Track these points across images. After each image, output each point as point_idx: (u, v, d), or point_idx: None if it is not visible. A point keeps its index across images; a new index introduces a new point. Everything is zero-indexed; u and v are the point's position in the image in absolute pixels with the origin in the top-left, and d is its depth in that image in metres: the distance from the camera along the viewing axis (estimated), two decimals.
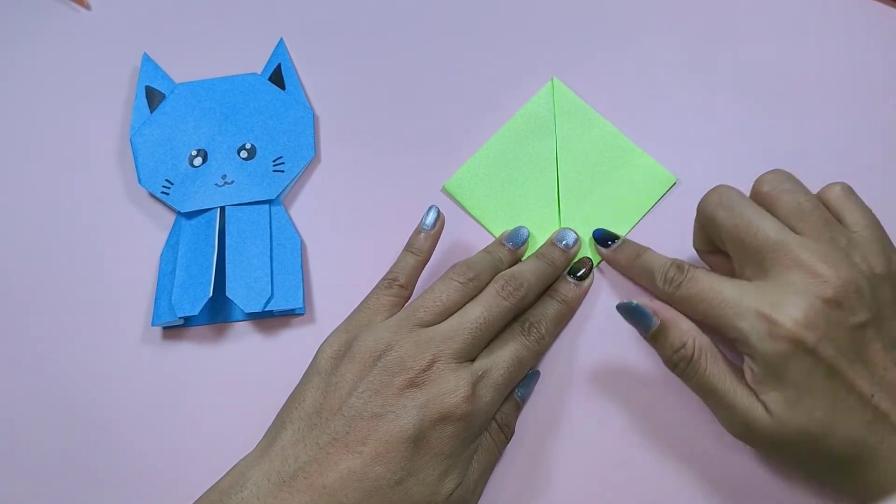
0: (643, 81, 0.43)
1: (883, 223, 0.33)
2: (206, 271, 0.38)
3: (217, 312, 0.39)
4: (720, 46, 0.44)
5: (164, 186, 0.41)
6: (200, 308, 0.37)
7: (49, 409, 0.38)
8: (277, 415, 0.34)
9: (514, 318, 0.36)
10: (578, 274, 0.38)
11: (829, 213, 0.33)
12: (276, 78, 0.44)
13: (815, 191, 0.34)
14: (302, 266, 0.40)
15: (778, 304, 0.30)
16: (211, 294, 0.37)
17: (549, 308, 0.37)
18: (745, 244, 0.32)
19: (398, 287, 0.36)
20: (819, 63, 0.43)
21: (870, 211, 0.33)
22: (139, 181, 0.41)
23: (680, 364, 0.33)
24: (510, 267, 0.38)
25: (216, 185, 0.41)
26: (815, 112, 0.42)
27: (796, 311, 0.30)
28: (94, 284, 0.40)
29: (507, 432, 0.36)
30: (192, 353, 0.39)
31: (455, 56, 0.45)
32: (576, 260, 0.39)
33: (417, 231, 0.38)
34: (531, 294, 0.36)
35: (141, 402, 0.38)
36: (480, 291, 0.36)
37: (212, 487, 0.32)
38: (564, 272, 0.39)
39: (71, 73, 0.45)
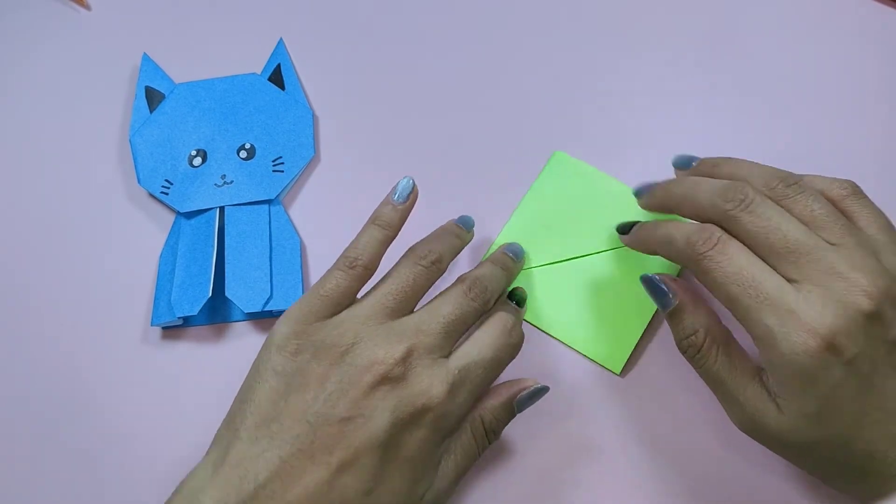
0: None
1: None
2: (206, 271, 0.38)
3: (216, 312, 0.39)
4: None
5: (163, 186, 0.41)
6: (200, 308, 0.37)
7: (49, 408, 0.38)
8: (226, 418, 0.31)
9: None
10: (515, 300, 0.36)
11: (844, 218, 0.30)
12: (276, 78, 0.44)
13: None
14: (301, 266, 0.40)
15: (816, 309, 0.28)
16: (210, 294, 0.37)
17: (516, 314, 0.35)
18: (774, 247, 0.29)
19: (361, 269, 0.33)
20: (819, 63, 0.43)
21: (881, 211, 0.32)
22: (139, 181, 0.41)
23: (689, 350, 0.32)
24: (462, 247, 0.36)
25: (216, 185, 0.41)
26: (815, 113, 0.42)
27: (836, 320, 0.27)
28: (94, 284, 0.40)
29: (492, 438, 0.33)
30: (192, 353, 0.39)
31: (457, 51, 0.45)
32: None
33: (386, 202, 0.34)
34: (492, 300, 0.34)
35: (140, 402, 0.38)
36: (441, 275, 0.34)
37: None
38: (504, 295, 0.36)
39: (71, 73, 0.45)
